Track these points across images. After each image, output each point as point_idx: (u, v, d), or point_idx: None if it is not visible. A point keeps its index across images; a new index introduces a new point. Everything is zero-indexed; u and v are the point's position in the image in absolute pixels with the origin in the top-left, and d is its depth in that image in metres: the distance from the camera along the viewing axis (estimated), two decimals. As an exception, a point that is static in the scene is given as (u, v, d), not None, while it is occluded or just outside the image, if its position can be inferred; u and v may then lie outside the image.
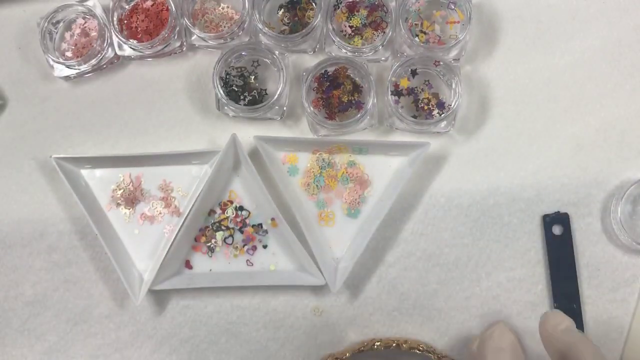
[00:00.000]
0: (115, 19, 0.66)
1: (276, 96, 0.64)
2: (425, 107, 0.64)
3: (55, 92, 0.69)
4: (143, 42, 0.66)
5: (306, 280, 0.64)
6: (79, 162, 0.67)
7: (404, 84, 0.64)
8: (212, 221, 0.67)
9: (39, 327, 0.67)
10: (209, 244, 0.67)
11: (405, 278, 0.66)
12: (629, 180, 0.65)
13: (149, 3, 0.67)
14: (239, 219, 0.67)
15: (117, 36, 0.66)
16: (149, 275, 0.65)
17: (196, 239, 0.67)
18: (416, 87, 0.65)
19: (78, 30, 0.68)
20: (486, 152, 0.67)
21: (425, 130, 0.66)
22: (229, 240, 0.67)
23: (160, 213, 0.67)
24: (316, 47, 0.67)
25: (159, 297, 0.67)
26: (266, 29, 0.65)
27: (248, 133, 0.66)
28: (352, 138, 0.66)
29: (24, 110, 0.69)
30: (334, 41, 0.65)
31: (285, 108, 0.66)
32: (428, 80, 0.65)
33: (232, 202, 0.67)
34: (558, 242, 0.65)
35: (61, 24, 0.69)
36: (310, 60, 0.68)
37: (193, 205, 0.64)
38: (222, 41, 0.67)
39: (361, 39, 0.66)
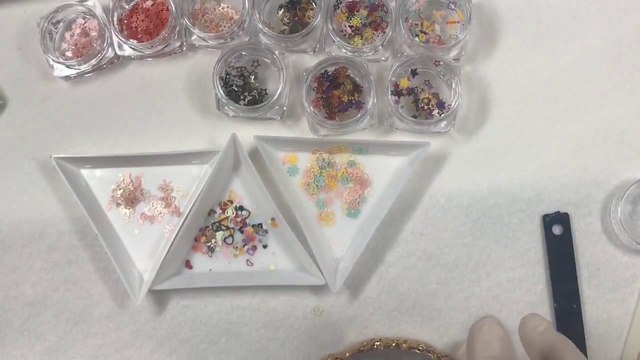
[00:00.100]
0: (115, 19, 0.66)
1: (276, 96, 0.64)
2: (425, 107, 0.64)
3: (55, 92, 0.69)
4: (143, 42, 0.66)
5: (306, 280, 0.64)
6: (79, 162, 0.67)
7: (404, 84, 0.64)
8: (212, 221, 0.67)
9: (39, 327, 0.67)
10: (209, 244, 0.67)
11: (405, 278, 0.66)
12: (629, 180, 0.65)
13: (149, 3, 0.67)
14: (239, 219, 0.67)
15: (117, 36, 0.66)
16: (149, 275, 0.65)
17: (196, 239, 0.67)
18: (416, 87, 0.65)
19: (78, 30, 0.68)
20: (486, 152, 0.67)
21: (425, 130, 0.66)
22: (229, 240, 0.67)
23: (160, 213, 0.67)
24: (316, 47, 0.67)
25: (159, 297, 0.67)
26: (266, 29, 0.65)
27: (248, 133, 0.66)
28: (352, 138, 0.66)
29: (24, 110, 0.69)
30: (334, 41, 0.65)
31: (285, 108, 0.66)
32: (428, 80, 0.65)
33: (232, 202, 0.67)
34: (558, 242, 0.65)
35: (61, 24, 0.69)
36: (310, 60, 0.68)
37: (193, 205, 0.64)
38: (222, 41, 0.67)
39: (361, 39, 0.66)
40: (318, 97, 0.65)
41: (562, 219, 0.65)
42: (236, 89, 0.65)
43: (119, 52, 0.67)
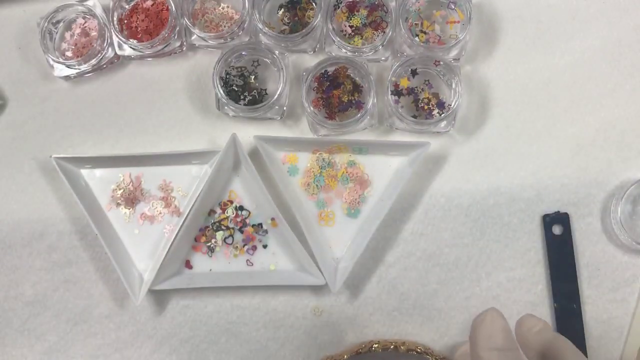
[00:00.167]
0: (115, 18, 0.66)
1: (276, 96, 0.64)
2: (425, 107, 0.64)
3: (55, 92, 0.69)
4: (143, 42, 0.66)
5: (306, 280, 0.64)
6: (79, 162, 0.67)
7: (404, 83, 0.64)
8: (212, 221, 0.67)
9: (39, 327, 0.67)
10: (209, 244, 0.67)
11: (405, 278, 0.66)
12: (629, 180, 0.65)
13: (149, 3, 0.67)
14: (239, 219, 0.67)
15: (117, 36, 0.66)
16: (149, 275, 0.65)
17: (196, 239, 0.67)
18: (416, 87, 0.65)
19: (78, 30, 0.68)
20: (486, 152, 0.67)
21: (425, 130, 0.66)
22: (229, 240, 0.67)
23: (160, 213, 0.67)
24: (316, 47, 0.67)
25: (159, 297, 0.67)
26: (266, 28, 0.65)
27: (248, 133, 0.66)
28: (352, 138, 0.66)
29: (24, 110, 0.69)
30: (334, 41, 0.65)
31: (285, 108, 0.66)
32: (428, 80, 0.65)
33: (232, 202, 0.67)
34: (558, 242, 0.65)
35: (61, 24, 0.69)
36: (310, 60, 0.68)
37: (193, 205, 0.64)
38: (222, 41, 0.67)
39: (361, 38, 0.66)
40: (318, 97, 0.65)
41: (562, 219, 0.65)
42: (236, 89, 0.65)
43: (119, 52, 0.67)
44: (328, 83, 0.65)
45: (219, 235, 0.66)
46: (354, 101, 0.64)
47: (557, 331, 0.65)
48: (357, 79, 0.65)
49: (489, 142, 0.67)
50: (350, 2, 0.66)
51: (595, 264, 0.65)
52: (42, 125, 0.69)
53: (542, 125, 0.67)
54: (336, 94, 0.64)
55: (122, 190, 0.67)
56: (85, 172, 0.67)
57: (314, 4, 0.66)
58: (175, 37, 0.67)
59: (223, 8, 0.68)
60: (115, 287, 0.67)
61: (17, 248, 0.68)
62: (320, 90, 0.65)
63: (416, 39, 0.64)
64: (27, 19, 0.70)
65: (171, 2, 0.65)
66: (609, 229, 0.65)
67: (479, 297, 0.66)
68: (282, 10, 0.67)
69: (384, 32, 0.65)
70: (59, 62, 0.67)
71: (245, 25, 0.66)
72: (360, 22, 0.66)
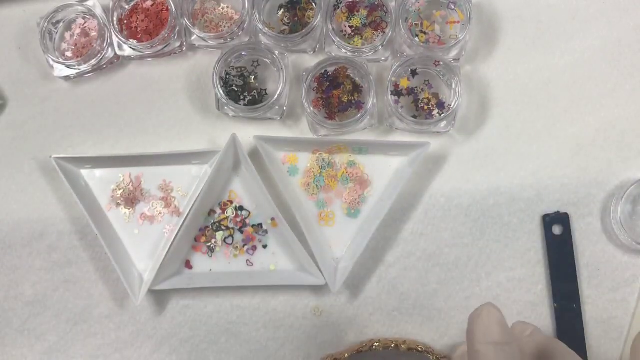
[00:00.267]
0: (115, 19, 0.66)
1: (276, 96, 0.64)
2: (425, 107, 0.64)
3: (55, 92, 0.69)
4: (143, 42, 0.66)
5: (306, 280, 0.64)
6: (79, 162, 0.67)
7: (404, 84, 0.64)
8: (212, 221, 0.67)
9: (39, 327, 0.67)
10: (209, 244, 0.67)
11: (405, 278, 0.66)
12: (629, 180, 0.65)
13: (149, 3, 0.67)
14: (239, 219, 0.67)
15: (117, 36, 0.66)
16: (149, 275, 0.65)
17: (196, 239, 0.67)
18: (416, 87, 0.65)
19: (78, 30, 0.68)
20: (486, 152, 0.67)
21: (425, 130, 0.66)
22: (229, 240, 0.67)
23: (160, 213, 0.67)
24: (316, 47, 0.67)
25: (159, 297, 0.67)
26: (266, 29, 0.65)
27: (248, 133, 0.66)
28: (352, 138, 0.66)
29: (24, 110, 0.69)
30: (334, 41, 0.65)
31: (285, 108, 0.66)
32: (428, 80, 0.65)
33: (232, 202, 0.67)
34: (558, 242, 0.65)
35: (61, 24, 0.69)
36: (310, 60, 0.68)
37: (193, 205, 0.64)
38: (222, 41, 0.67)
39: (361, 39, 0.66)
40: (318, 97, 0.65)
41: (562, 219, 0.65)
42: (236, 89, 0.65)
43: (119, 52, 0.67)
44: (328, 83, 0.65)
45: (219, 235, 0.66)
46: (354, 101, 0.64)
47: (557, 331, 0.65)
48: (357, 79, 0.65)
49: (489, 142, 0.67)
50: (350, 2, 0.66)
51: (595, 264, 0.65)
52: (42, 125, 0.69)
53: (542, 125, 0.67)
54: (336, 94, 0.64)
55: (122, 191, 0.67)
56: (85, 172, 0.67)
57: (314, 4, 0.66)
58: (175, 37, 0.67)
59: (223, 8, 0.68)
60: (115, 287, 0.67)
61: (17, 248, 0.68)
62: (320, 90, 0.65)
63: (416, 39, 0.64)
64: (27, 19, 0.70)
65: (171, 2, 0.65)
66: (609, 229, 0.65)
67: (479, 297, 0.66)
68: (282, 10, 0.67)
69: (384, 33, 0.65)
70: (59, 62, 0.67)
71: (245, 25, 0.66)
72: (360, 22, 0.66)
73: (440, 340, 0.66)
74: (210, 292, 0.67)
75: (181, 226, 0.64)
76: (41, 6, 0.69)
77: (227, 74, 0.66)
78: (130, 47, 0.67)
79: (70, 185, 0.65)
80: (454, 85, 0.64)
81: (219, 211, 0.67)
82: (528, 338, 0.48)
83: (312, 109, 0.64)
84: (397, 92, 0.64)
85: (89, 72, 0.68)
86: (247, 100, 0.65)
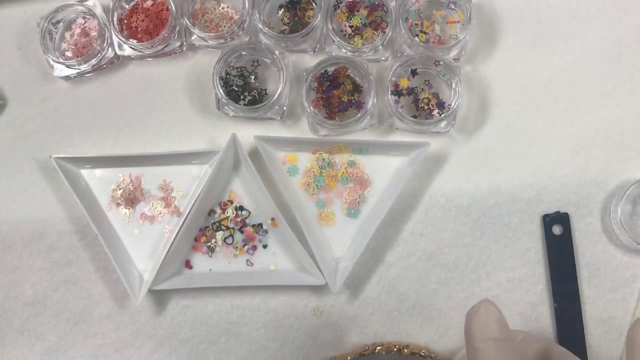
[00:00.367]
0: (115, 18, 0.66)
1: (276, 96, 0.64)
2: (425, 107, 0.64)
3: (55, 92, 0.69)
4: (143, 42, 0.66)
5: (306, 280, 0.64)
6: (79, 162, 0.67)
7: (404, 84, 0.64)
8: (212, 221, 0.67)
9: (39, 327, 0.67)
10: (209, 244, 0.67)
11: (405, 278, 0.66)
12: (629, 180, 0.65)
13: (149, 3, 0.67)
14: (239, 219, 0.67)
15: (117, 36, 0.66)
16: (149, 275, 0.65)
17: (196, 239, 0.67)
18: (416, 87, 0.65)
19: (78, 30, 0.68)
20: (486, 152, 0.67)
21: (425, 130, 0.66)
22: (229, 240, 0.67)
23: (160, 213, 0.67)
24: (316, 47, 0.67)
25: (159, 297, 0.67)
26: (266, 29, 0.65)
27: (248, 133, 0.66)
28: (352, 138, 0.66)
29: (24, 110, 0.69)
30: (334, 41, 0.65)
31: (285, 108, 0.66)
32: (428, 80, 0.65)
33: (232, 202, 0.67)
34: (558, 242, 0.65)
35: (61, 24, 0.69)
36: (310, 60, 0.68)
37: (193, 205, 0.64)
38: (222, 41, 0.67)
39: (361, 39, 0.66)
40: (318, 97, 0.65)
41: (562, 219, 0.65)
42: (236, 89, 0.65)
43: (119, 52, 0.67)
44: (328, 83, 0.65)
45: (219, 235, 0.66)
46: (354, 101, 0.64)
47: (557, 331, 0.65)
48: (357, 79, 0.65)
49: (489, 142, 0.67)
50: (350, 2, 0.66)
51: (595, 264, 0.65)
52: (42, 125, 0.69)
53: (542, 125, 0.67)
54: (336, 94, 0.64)
55: (122, 190, 0.67)
56: (85, 172, 0.67)
57: (314, 4, 0.66)
58: (175, 37, 0.67)
59: (223, 8, 0.68)
60: (115, 287, 0.67)
61: (17, 248, 0.68)
62: (320, 90, 0.65)
63: (416, 39, 0.64)
64: (27, 19, 0.70)
65: (171, 2, 0.65)
66: (609, 229, 0.65)
67: (479, 297, 0.66)
68: (282, 10, 0.67)
69: (384, 32, 0.65)
70: (59, 62, 0.67)
71: (245, 25, 0.66)
72: (360, 22, 0.66)
73: (440, 340, 0.66)
74: (210, 292, 0.67)
75: (181, 226, 0.64)
76: (41, 6, 0.69)
77: (227, 73, 0.66)
78: (130, 47, 0.67)
79: (70, 185, 0.65)
80: (454, 85, 0.64)
81: (219, 211, 0.67)
82: (523, 342, 0.47)
83: (312, 108, 0.64)
84: (397, 92, 0.64)
85: (89, 72, 0.68)
86: (247, 100, 0.65)
